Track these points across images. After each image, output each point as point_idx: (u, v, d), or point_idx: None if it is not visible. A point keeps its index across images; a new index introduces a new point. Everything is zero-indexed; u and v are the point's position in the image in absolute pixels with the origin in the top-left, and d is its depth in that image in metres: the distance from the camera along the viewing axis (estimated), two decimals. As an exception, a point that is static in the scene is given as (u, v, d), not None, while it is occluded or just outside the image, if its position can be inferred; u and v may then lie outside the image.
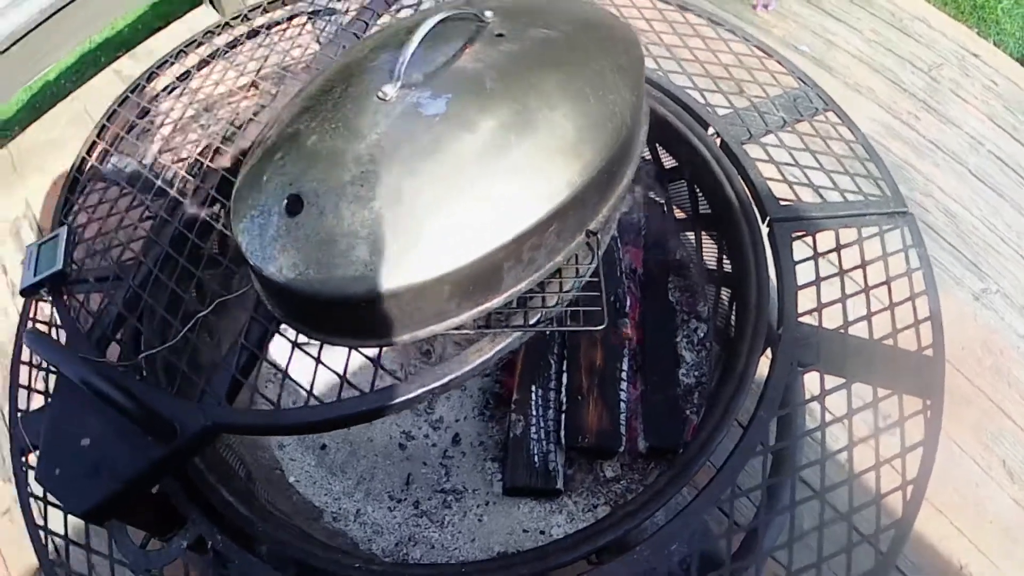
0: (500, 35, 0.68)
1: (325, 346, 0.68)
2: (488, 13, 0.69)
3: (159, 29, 2.16)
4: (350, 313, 0.61)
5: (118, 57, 2.13)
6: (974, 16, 2.67)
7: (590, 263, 0.68)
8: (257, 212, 0.62)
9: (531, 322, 0.68)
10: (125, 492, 0.69)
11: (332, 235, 0.58)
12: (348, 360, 0.70)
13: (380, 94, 0.63)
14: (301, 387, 0.70)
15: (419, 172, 0.58)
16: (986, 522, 1.35)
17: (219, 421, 0.69)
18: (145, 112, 1.10)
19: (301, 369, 0.73)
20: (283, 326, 0.70)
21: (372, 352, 0.70)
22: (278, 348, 0.80)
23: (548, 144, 0.61)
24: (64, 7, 1.75)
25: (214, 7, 2.10)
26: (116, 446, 0.70)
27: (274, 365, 0.73)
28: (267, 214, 0.61)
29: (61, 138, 1.93)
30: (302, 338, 0.69)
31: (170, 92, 1.14)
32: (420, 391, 0.65)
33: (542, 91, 0.63)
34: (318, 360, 0.69)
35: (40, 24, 1.75)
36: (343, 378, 0.67)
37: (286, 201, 0.61)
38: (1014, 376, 1.52)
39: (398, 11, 1.12)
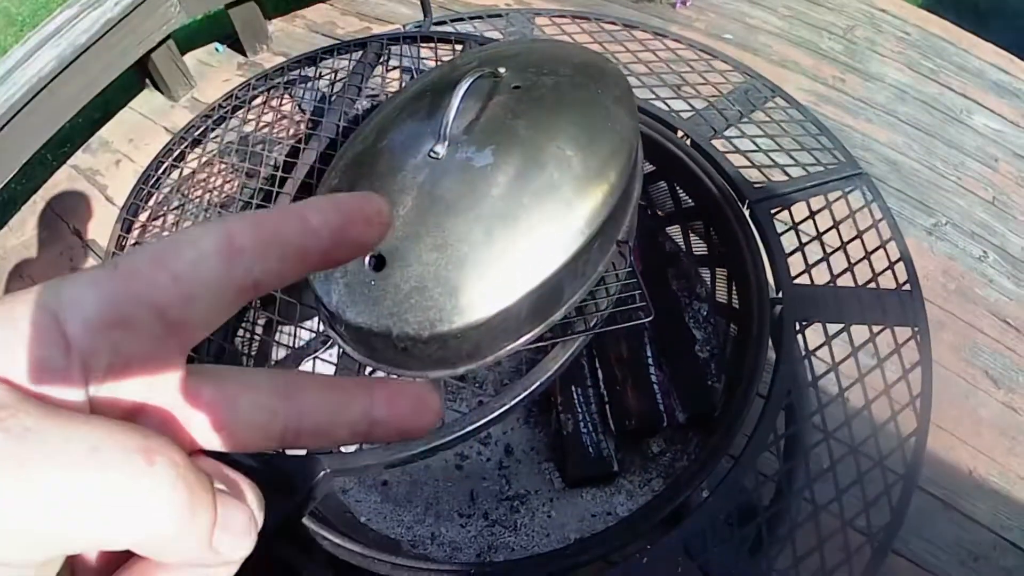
0: (517, 87, 0.81)
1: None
2: (501, 69, 0.83)
3: (101, 120, 2.23)
4: (443, 346, 0.74)
5: (65, 152, 2.19)
6: (873, -27, 2.90)
7: (626, 267, 0.83)
8: (341, 273, 0.75)
9: (591, 325, 0.82)
10: (261, 548, 0.80)
11: (421, 282, 0.71)
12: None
13: (432, 154, 0.76)
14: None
15: (485, 217, 0.72)
16: (983, 428, 1.51)
17: (335, 467, 0.81)
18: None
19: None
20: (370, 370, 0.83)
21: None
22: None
23: (583, 175, 0.75)
24: (20, 111, 1.81)
25: (159, 90, 2.19)
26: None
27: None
28: (353, 274, 0.74)
29: (33, 241, 1.98)
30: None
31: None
32: (516, 401, 0.78)
33: (567, 132, 0.77)
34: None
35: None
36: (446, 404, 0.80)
37: (371, 260, 0.73)
38: (977, 294, 1.71)
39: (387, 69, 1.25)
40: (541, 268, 0.72)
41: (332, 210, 0.21)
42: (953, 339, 1.63)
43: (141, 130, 2.15)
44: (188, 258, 0.19)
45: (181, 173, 1.20)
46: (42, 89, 1.84)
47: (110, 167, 2.08)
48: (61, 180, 2.10)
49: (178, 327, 0.20)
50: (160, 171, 1.18)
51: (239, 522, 0.19)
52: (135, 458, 0.17)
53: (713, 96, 1.22)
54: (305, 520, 0.94)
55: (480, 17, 1.39)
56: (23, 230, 2.01)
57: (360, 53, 1.21)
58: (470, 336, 0.72)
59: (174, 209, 1.17)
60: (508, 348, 0.77)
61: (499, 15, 1.39)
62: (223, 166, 1.21)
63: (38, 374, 0.18)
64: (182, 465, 0.17)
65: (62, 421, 0.17)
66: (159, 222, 1.16)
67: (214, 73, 2.28)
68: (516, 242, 0.72)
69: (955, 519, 1.41)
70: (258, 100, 1.24)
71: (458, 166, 0.75)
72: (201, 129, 1.20)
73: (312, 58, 1.24)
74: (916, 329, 1.01)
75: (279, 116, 1.24)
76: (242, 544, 0.19)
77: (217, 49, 2.34)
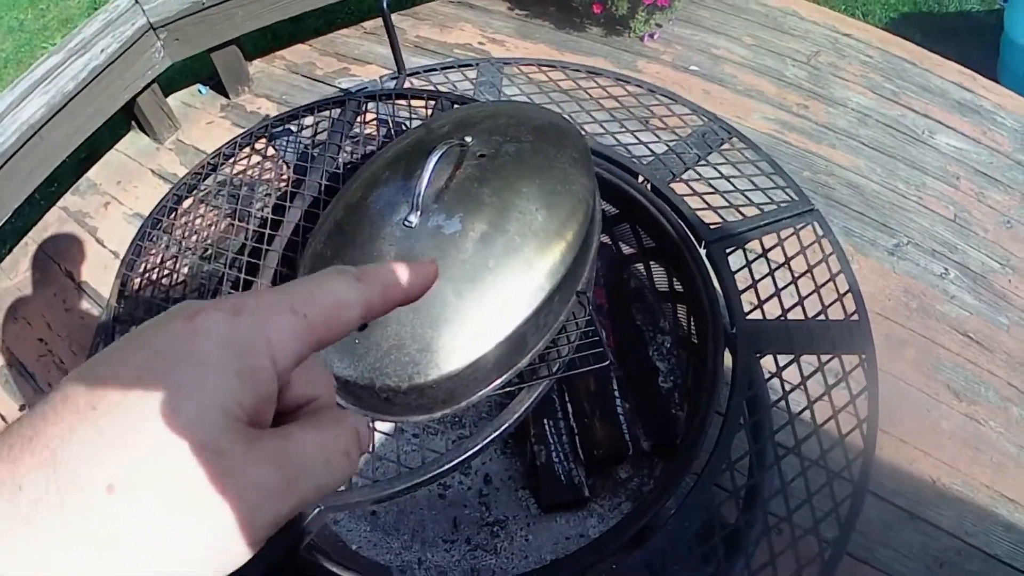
0: (482, 155, 0.92)
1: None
2: (468, 138, 0.93)
3: (88, 160, 2.32)
4: (421, 395, 0.84)
5: (53, 192, 2.28)
6: (840, -7, 3.02)
7: (585, 316, 0.93)
8: (327, 333, 0.86)
9: (553, 370, 0.92)
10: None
11: (400, 340, 0.82)
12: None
13: (406, 222, 0.86)
14: (391, 461, 0.93)
15: (456, 279, 0.82)
16: (945, 439, 1.61)
17: (328, 504, 0.91)
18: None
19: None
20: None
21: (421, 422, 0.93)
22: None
23: (543, 236, 0.85)
24: (11, 157, 1.91)
25: (144, 132, 2.29)
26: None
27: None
28: (338, 333, 0.85)
29: (26, 283, 2.06)
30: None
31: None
32: (487, 440, 0.89)
33: (528, 196, 0.87)
34: (394, 434, 0.92)
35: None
36: (431, 450, 0.90)
37: (353, 321, 0.84)
38: (938, 311, 1.81)
39: (362, 124, 1.35)
40: (506, 323, 0.82)
41: (419, 290, 0.35)
42: (915, 355, 1.73)
43: (128, 172, 2.25)
44: (345, 319, 0.29)
45: (173, 226, 1.30)
46: (32, 135, 1.94)
47: (99, 210, 2.18)
48: (52, 222, 2.18)
49: None
50: (155, 227, 1.27)
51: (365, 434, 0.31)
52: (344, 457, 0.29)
53: (672, 140, 1.33)
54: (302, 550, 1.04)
55: (452, 67, 1.49)
56: (16, 271, 2.09)
57: (339, 111, 1.32)
58: (444, 385, 0.83)
59: (170, 259, 1.26)
60: (479, 394, 0.87)
61: (470, 65, 1.50)
62: (213, 218, 1.30)
63: (267, 403, 0.27)
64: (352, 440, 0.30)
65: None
66: (156, 273, 1.24)
67: (197, 115, 2.38)
68: (483, 301, 0.82)
69: (920, 528, 1.51)
70: (243, 156, 1.34)
71: (429, 233, 0.85)
72: (191, 186, 1.30)
73: (294, 115, 1.34)
74: (863, 356, 1.11)
75: (264, 171, 1.34)
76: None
77: (200, 91, 2.44)
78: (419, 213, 0.86)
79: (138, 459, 0.22)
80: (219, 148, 1.33)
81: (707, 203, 1.24)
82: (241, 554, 0.24)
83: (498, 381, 0.87)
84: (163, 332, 0.26)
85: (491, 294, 0.83)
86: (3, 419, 1.82)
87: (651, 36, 2.44)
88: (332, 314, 0.29)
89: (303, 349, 0.28)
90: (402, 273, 0.34)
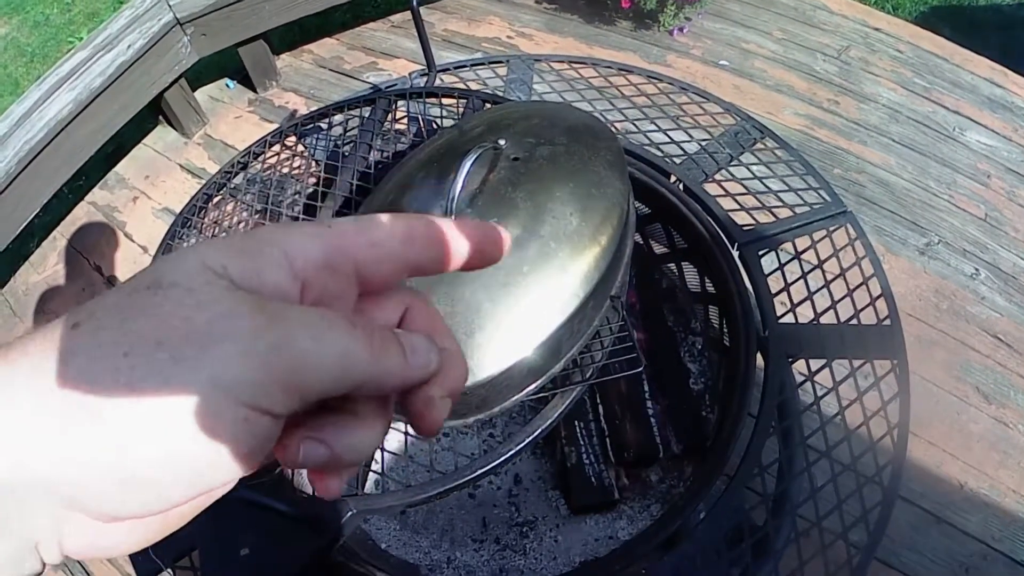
0: (516, 158, 0.91)
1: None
2: (502, 141, 0.93)
3: (114, 153, 2.34)
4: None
5: (80, 186, 2.29)
6: (869, -14, 2.98)
7: (619, 321, 0.93)
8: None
9: (587, 376, 0.92)
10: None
11: (434, 345, 0.82)
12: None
13: (439, 227, 0.86)
14: (423, 466, 0.94)
15: (490, 285, 0.82)
16: (974, 443, 1.60)
17: (360, 508, 0.92)
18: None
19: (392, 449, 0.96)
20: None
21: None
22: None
23: (577, 241, 0.85)
24: (40, 153, 1.92)
25: (172, 127, 2.30)
26: (277, 547, 0.91)
27: (391, 452, 0.96)
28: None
29: (55, 276, 2.08)
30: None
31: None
32: (520, 446, 0.89)
33: (562, 200, 0.87)
34: (421, 437, 0.92)
35: (20, 173, 1.90)
36: (465, 455, 0.91)
37: (389, 325, 0.84)
38: (969, 312, 1.79)
39: (392, 122, 1.35)
40: (540, 329, 0.82)
41: (476, 231, 0.31)
42: (945, 357, 1.72)
43: (156, 167, 2.26)
44: (381, 233, 0.28)
45: (204, 222, 1.31)
46: (60, 131, 1.95)
47: (127, 204, 2.19)
48: (80, 216, 2.20)
49: (364, 282, 0.29)
50: (185, 225, 1.28)
51: (422, 343, 0.28)
52: (343, 323, 0.25)
53: (705, 139, 1.32)
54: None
55: (483, 64, 1.49)
56: (44, 265, 2.12)
57: (370, 109, 1.32)
58: (478, 391, 0.83)
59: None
60: (513, 399, 0.87)
61: (501, 61, 1.49)
62: (244, 216, 1.31)
63: (277, 293, 0.25)
64: (368, 327, 0.26)
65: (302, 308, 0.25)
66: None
67: (225, 109, 2.39)
68: (517, 307, 0.82)
69: (946, 532, 1.50)
70: (272, 155, 1.34)
71: (464, 238, 0.85)
72: (221, 184, 1.30)
73: (324, 113, 1.34)
74: (895, 362, 1.09)
75: (294, 169, 1.35)
76: (430, 358, 0.28)
77: (228, 85, 2.45)
78: (452, 216, 0.86)
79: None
80: (249, 147, 1.33)
81: (740, 204, 1.23)
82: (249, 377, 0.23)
83: (532, 387, 0.87)
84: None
85: (525, 300, 0.83)
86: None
87: (680, 30, 2.43)
88: (363, 225, 0.28)
89: (325, 251, 0.26)
90: (459, 224, 0.31)
